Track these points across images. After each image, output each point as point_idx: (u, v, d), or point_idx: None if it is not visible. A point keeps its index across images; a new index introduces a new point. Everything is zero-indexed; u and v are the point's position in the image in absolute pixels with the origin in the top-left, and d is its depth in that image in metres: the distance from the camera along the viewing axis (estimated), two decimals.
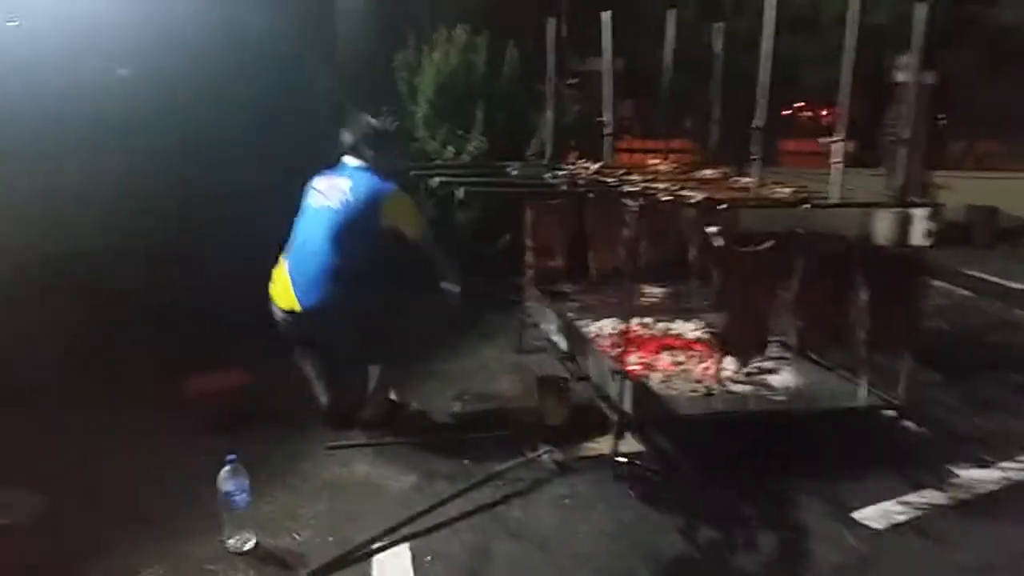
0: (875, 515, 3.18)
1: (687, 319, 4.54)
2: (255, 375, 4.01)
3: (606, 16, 4.68)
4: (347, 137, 3.74)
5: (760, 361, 3.87)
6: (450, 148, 5.44)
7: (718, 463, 3.47)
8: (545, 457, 3.50)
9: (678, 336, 4.31)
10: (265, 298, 3.75)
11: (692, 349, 4.12)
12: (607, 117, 4.79)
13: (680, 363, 3.94)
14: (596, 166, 4.39)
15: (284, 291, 3.67)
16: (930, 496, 3.33)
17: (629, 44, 6.65)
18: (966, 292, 7.09)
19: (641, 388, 3.44)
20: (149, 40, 5.11)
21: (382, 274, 3.59)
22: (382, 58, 5.67)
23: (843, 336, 3.49)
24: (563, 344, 4.32)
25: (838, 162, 3.38)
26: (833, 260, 3.42)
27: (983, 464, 3.61)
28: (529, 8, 7.33)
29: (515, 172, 4.38)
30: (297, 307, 3.60)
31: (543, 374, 3.97)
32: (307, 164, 4.36)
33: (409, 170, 3.89)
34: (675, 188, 3.46)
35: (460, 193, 3.45)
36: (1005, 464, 3.63)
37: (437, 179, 3.72)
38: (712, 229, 3.25)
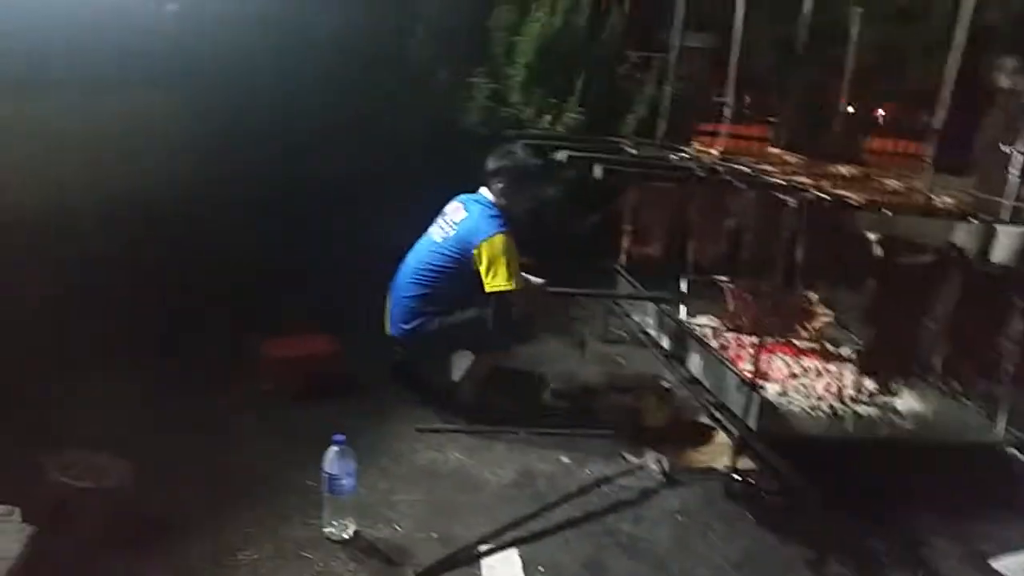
0: (1015, 567, 2.92)
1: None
2: (340, 344, 3.77)
3: None
4: (490, 164, 3.51)
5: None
6: (547, 117, 5.12)
7: (842, 490, 3.20)
8: (653, 466, 3.25)
9: (789, 343, 4.00)
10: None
11: (806, 358, 3.82)
12: (729, 98, 4.45)
13: (795, 375, 3.65)
14: (716, 151, 4.07)
15: (386, 312, 3.63)
16: None
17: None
18: None
19: (770, 405, 3.15)
20: None
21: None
22: (476, 14, 5.33)
23: (988, 365, 3.19)
24: (663, 341, 4.03)
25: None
26: (990, 282, 3.11)
27: None
28: None
29: (634, 151, 4.06)
30: (388, 331, 3.58)
31: (642, 372, 3.71)
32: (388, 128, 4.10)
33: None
34: (827, 185, 3.15)
35: (598, 171, 3.15)
36: None
37: (564, 153, 3.41)
38: (873, 237, 2.96)
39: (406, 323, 3.50)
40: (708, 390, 3.54)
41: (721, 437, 3.50)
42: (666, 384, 3.69)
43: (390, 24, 5.12)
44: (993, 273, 3.19)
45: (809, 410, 3.39)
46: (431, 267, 3.46)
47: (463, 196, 3.62)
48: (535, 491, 3.05)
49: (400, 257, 3.64)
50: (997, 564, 2.92)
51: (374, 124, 4.97)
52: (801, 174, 3.50)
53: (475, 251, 3.36)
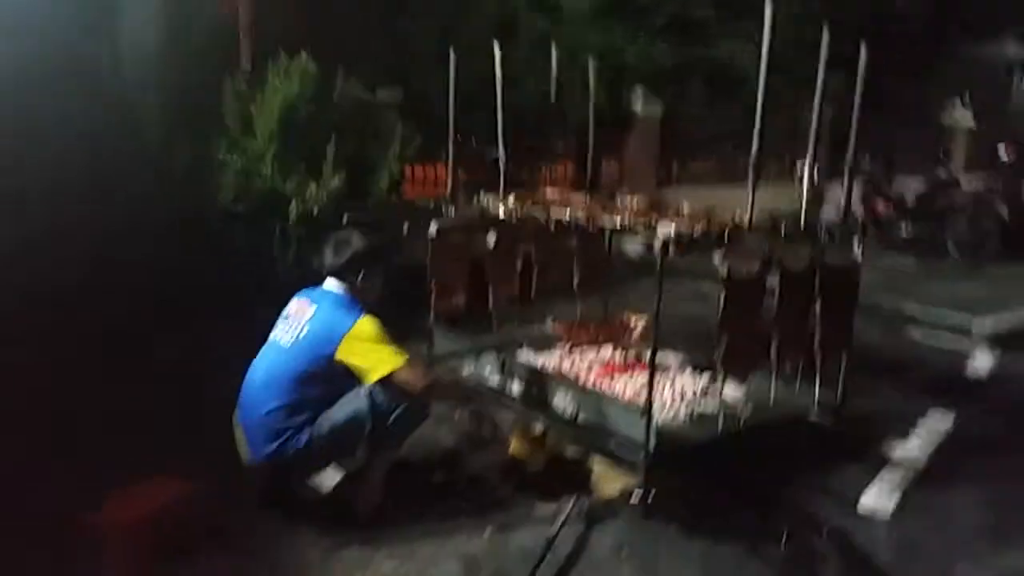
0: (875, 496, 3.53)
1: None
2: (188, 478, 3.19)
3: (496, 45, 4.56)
4: (330, 257, 3.25)
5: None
6: (312, 185, 4.84)
7: (725, 483, 3.56)
8: (573, 509, 3.30)
9: (610, 362, 4.29)
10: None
11: (634, 372, 4.15)
12: (500, 150, 4.65)
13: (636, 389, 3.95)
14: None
15: (238, 437, 3.24)
16: (895, 475, 3.76)
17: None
18: None
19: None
20: None
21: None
22: (212, 87, 4.88)
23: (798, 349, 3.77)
24: (513, 387, 4.08)
25: None
26: (799, 280, 3.65)
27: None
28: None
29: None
30: (245, 459, 3.19)
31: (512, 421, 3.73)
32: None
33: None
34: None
35: None
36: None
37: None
38: (718, 257, 3.34)
39: (270, 442, 3.09)
40: (581, 424, 3.69)
41: (598, 466, 3.67)
42: (540, 425, 3.72)
43: (113, 99, 4.44)
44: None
45: (670, 419, 3.71)
46: (289, 375, 3.10)
47: (304, 292, 3.33)
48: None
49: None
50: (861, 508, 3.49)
51: (114, 220, 4.30)
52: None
53: (340, 345, 3.07)
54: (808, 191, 3.82)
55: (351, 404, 3.12)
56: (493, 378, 4.14)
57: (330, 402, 3.13)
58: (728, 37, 10.20)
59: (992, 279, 8.43)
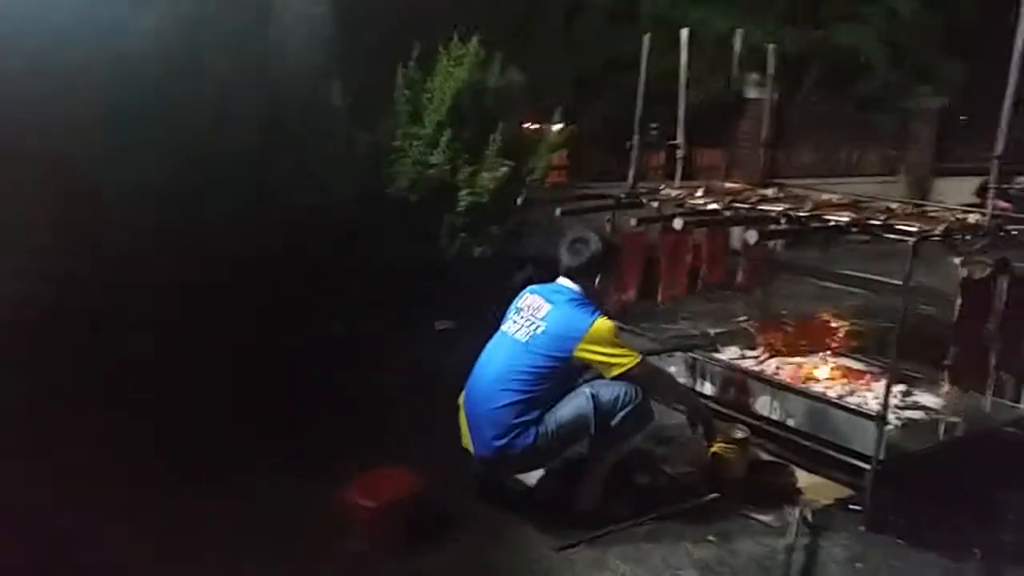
0: None
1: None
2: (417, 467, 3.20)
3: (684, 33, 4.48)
4: (567, 258, 3.21)
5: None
6: (484, 176, 4.80)
7: (945, 493, 3.45)
8: (798, 518, 3.22)
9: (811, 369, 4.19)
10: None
11: (835, 379, 4.03)
12: (681, 139, 4.56)
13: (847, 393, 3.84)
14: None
15: (463, 431, 3.25)
16: None
17: None
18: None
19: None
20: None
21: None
22: (386, 73, 4.86)
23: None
24: (706, 388, 4.01)
25: None
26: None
27: None
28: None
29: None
30: (472, 450, 3.19)
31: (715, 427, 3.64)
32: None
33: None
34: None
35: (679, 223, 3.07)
36: None
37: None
38: (957, 259, 3.21)
39: (499, 438, 3.07)
40: (797, 430, 3.60)
41: (804, 475, 3.58)
42: (740, 431, 3.65)
43: (296, 86, 4.43)
44: None
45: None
46: (525, 370, 3.07)
47: (536, 288, 3.30)
48: None
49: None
50: None
51: (297, 203, 4.31)
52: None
53: (578, 344, 3.04)
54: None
55: (575, 403, 3.09)
56: (681, 379, 4.07)
57: (557, 400, 3.10)
58: (850, 22, 9.88)
59: None
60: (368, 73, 4.77)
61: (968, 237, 3.37)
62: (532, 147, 5.32)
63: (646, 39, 4.43)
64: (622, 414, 3.08)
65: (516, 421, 3.04)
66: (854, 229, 3.38)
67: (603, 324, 3.07)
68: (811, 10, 9.65)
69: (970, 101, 11.37)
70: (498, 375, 3.11)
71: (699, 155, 9.83)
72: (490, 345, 3.28)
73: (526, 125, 5.46)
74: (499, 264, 5.10)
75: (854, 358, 4.27)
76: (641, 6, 8.53)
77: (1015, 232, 3.49)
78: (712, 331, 4.64)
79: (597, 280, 3.23)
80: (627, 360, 3.07)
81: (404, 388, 4.32)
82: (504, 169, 4.86)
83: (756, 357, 4.12)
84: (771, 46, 4.84)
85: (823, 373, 4.06)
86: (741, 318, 4.53)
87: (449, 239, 4.86)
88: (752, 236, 2.98)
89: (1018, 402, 3.79)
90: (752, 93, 9.60)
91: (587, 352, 3.05)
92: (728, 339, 4.41)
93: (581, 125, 5.35)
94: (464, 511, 3.24)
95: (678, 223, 3.24)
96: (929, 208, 3.94)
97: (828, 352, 4.18)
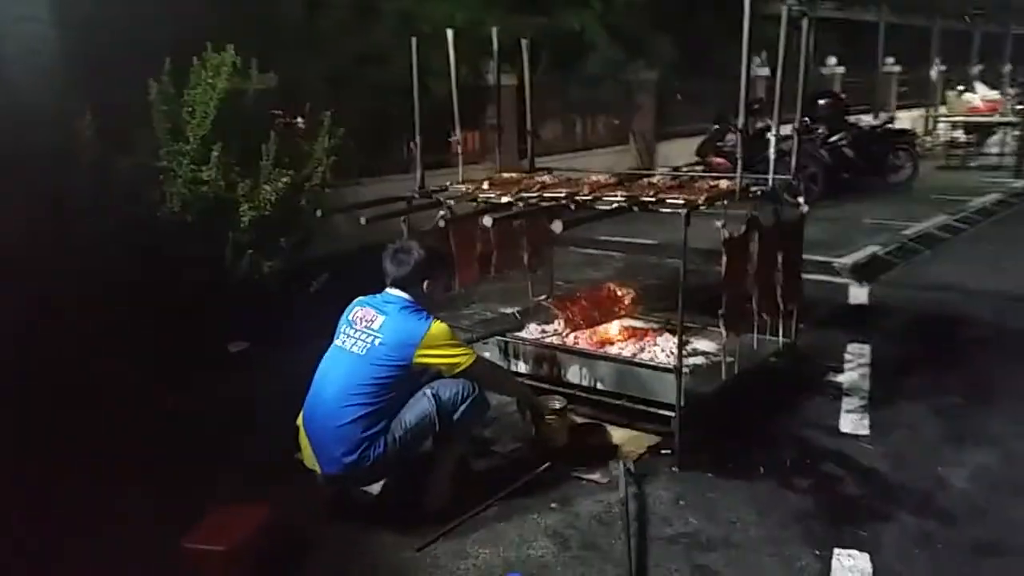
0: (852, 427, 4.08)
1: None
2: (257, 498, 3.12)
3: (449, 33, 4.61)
4: (392, 269, 3.26)
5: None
6: (265, 188, 4.61)
7: (732, 426, 3.98)
8: (622, 472, 3.55)
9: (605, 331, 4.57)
10: None
11: (626, 340, 4.45)
12: (457, 135, 4.72)
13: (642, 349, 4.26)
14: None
15: (306, 452, 3.22)
16: (854, 401, 4.36)
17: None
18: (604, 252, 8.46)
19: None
20: None
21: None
22: (136, 91, 4.48)
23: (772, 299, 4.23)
24: (519, 366, 4.25)
25: None
26: (769, 237, 4.09)
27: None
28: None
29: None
30: (318, 470, 3.18)
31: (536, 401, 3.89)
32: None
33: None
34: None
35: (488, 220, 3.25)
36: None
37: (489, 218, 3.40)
38: (718, 223, 3.69)
39: (349, 454, 3.08)
40: (606, 391, 3.95)
41: (617, 431, 3.96)
42: (557, 402, 3.92)
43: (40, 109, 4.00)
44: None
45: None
46: (368, 383, 3.09)
47: (365, 299, 3.31)
48: (590, 545, 3.10)
49: None
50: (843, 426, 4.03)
51: (49, 240, 3.94)
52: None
53: (417, 351, 3.12)
54: (774, 151, 4.16)
55: (418, 406, 3.18)
56: (498, 361, 4.28)
57: (401, 407, 3.17)
58: (571, 6, 10.62)
59: (825, 220, 9.55)
60: (115, 93, 4.40)
61: (725, 202, 3.88)
62: (307, 152, 5.22)
63: (413, 41, 4.51)
64: (462, 408, 3.22)
65: (364, 435, 3.06)
66: (634, 208, 3.74)
67: (438, 328, 3.17)
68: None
69: (679, 72, 12.76)
70: (340, 391, 3.10)
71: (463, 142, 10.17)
72: (325, 362, 3.25)
73: (296, 126, 5.32)
74: (293, 276, 4.99)
75: (636, 317, 4.73)
76: (383, 1, 8.57)
77: (758, 192, 4.06)
78: (513, 311, 4.91)
79: (425, 285, 3.30)
80: (465, 358, 3.21)
81: (212, 416, 4.15)
82: (285, 179, 4.73)
83: (556, 330, 4.43)
84: (524, 41, 5.11)
85: (615, 335, 4.48)
86: (539, 297, 4.81)
87: (235, 257, 4.65)
88: (558, 226, 3.22)
89: (776, 336, 4.43)
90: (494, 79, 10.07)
91: (426, 357, 3.14)
92: (529, 316, 4.70)
93: (342, 122, 5.29)
94: (318, 533, 3.21)
95: (487, 220, 3.41)
96: (681, 177, 4.46)
97: (617, 316, 4.59)
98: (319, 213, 4.05)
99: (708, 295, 3.74)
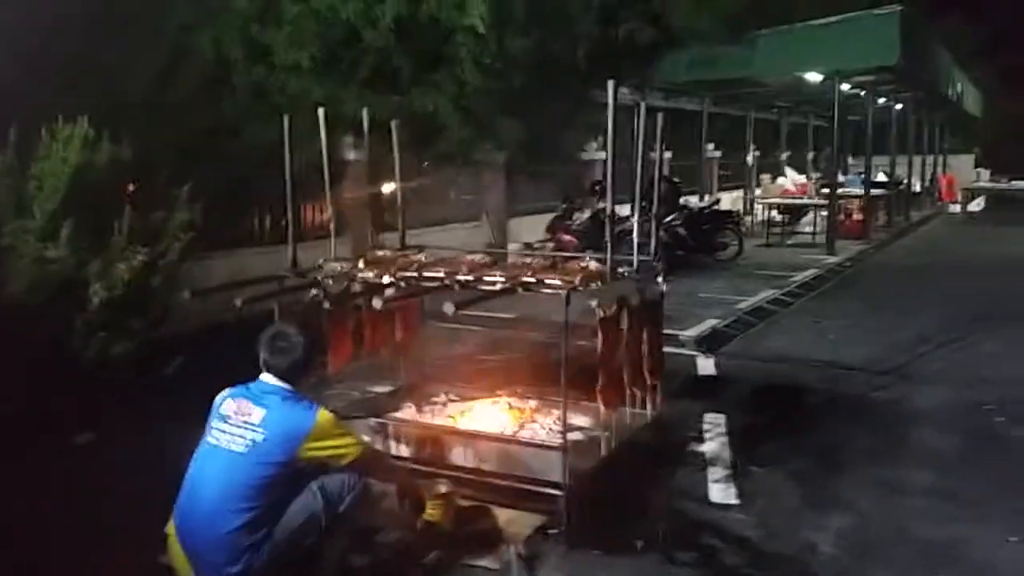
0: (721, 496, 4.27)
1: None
2: None
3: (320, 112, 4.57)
4: (272, 357, 3.07)
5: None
6: (119, 266, 4.30)
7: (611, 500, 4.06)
8: (515, 560, 3.52)
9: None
10: None
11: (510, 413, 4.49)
12: (330, 213, 4.67)
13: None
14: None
15: (179, 562, 2.96)
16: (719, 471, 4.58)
17: None
18: None
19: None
20: None
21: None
22: None
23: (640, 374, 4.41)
24: (396, 448, 4.14)
25: None
26: (636, 314, 4.29)
27: None
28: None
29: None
30: None
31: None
32: None
33: None
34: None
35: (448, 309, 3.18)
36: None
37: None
38: (593, 302, 3.84)
39: (233, 563, 2.85)
40: (492, 472, 3.92)
41: (503, 512, 3.93)
42: (443, 485, 3.84)
43: None
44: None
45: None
46: (253, 483, 2.88)
47: (238, 391, 3.09)
48: None
49: None
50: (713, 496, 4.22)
51: None
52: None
53: (304, 444, 2.95)
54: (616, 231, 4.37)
55: (304, 504, 3.01)
56: (375, 445, 4.15)
57: (286, 506, 2.97)
58: (422, 87, 10.85)
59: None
60: None
61: (599, 284, 4.03)
62: (162, 228, 4.95)
63: (286, 119, 4.44)
64: (348, 500, 3.08)
65: (249, 542, 2.85)
66: (519, 289, 3.81)
67: (324, 417, 3.04)
68: (391, 78, 10.42)
69: (526, 153, 13.27)
70: (221, 495, 2.86)
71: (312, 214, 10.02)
72: (198, 461, 2.99)
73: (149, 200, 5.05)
74: (145, 359, 4.66)
75: (513, 394, 4.78)
76: (235, 72, 8.39)
77: (624, 273, 4.26)
78: (385, 391, 4.82)
79: (304, 369, 3.17)
80: (355, 448, 3.09)
81: (58, 515, 3.75)
82: (140, 257, 4.45)
83: (436, 405, 4.40)
84: (394, 121, 5.17)
85: (495, 415, 4.49)
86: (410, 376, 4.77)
87: (84, 340, 4.29)
88: (449, 308, 3.23)
89: (643, 408, 4.60)
90: (351, 155, 10.06)
91: (315, 450, 2.98)
92: (403, 396, 4.63)
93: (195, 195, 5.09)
94: None
95: (377, 303, 3.35)
96: (548, 263, 4.55)
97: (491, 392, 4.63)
98: (186, 294, 3.78)
99: (572, 368, 3.83)
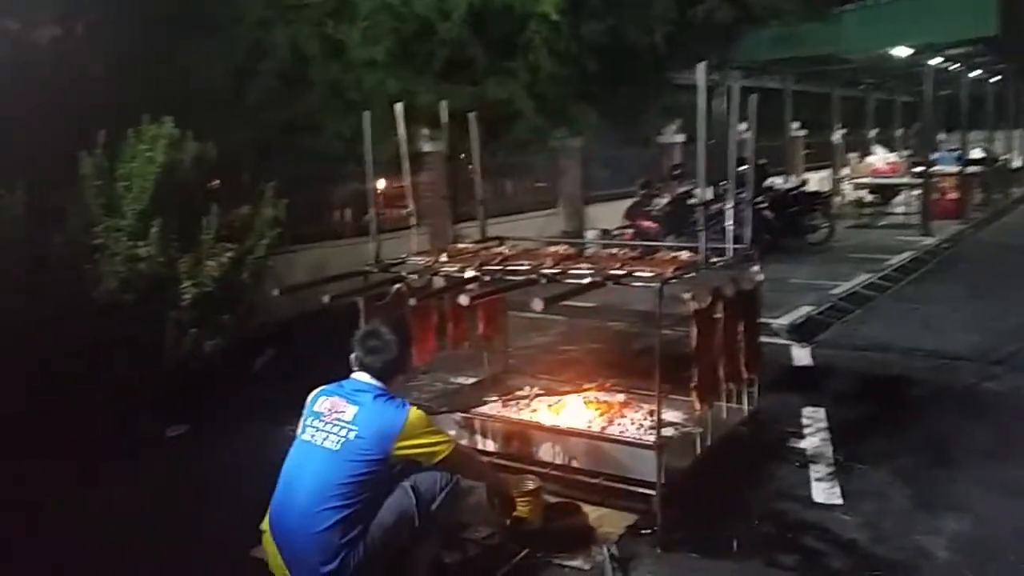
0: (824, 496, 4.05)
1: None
2: None
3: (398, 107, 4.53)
4: (366, 356, 3.05)
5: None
6: (208, 264, 4.35)
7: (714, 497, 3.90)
8: (607, 557, 3.40)
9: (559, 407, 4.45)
10: None
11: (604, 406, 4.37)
12: (412, 207, 4.61)
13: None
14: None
15: (274, 560, 2.92)
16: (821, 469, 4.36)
17: None
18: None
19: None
20: None
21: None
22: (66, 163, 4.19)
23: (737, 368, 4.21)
24: (482, 444, 4.07)
25: None
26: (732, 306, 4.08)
27: None
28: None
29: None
30: None
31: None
32: None
33: None
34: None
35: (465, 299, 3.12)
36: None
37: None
38: (688, 294, 3.67)
39: (328, 563, 2.80)
40: (583, 470, 3.81)
41: (593, 510, 3.81)
42: (531, 482, 3.75)
43: None
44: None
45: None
46: (346, 481, 2.84)
47: (331, 388, 3.06)
48: None
49: None
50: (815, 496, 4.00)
51: None
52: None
53: (396, 442, 2.90)
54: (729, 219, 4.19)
55: (398, 503, 2.96)
56: (462, 440, 4.09)
57: (379, 504, 2.93)
58: (496, 76, 10.75)
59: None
60: (44, 169, 4.12)
61: (692, 275, 3.85)
62: (248, 224, 4.99)
63: (366, 115, 4.40)
64: (440, 499, 3.02)
65: (344, 540, 2.80)
66: (610, 283, 3.66)
67: (416, 415, 2.98)
68: (464, 68, 10.36)
69: (601, 139, 13.07)
70: (315, 493, 2.83)
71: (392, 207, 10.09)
72: (292, 459, 2.98)
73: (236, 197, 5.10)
74: (235, 353, 4.71)
75: (600, 388, 4.64)
76: (313, 70, 8.45)
77: (718, 262, 4.07)
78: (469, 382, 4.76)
79: (391, 371, 3.11)
80: (445, 446, 3.02)
81: (151, 506, 3.81)
82: (228, 254, 4.49)
83: (522, 399, 4.30)
84: (472, 113, 5.09)
85: (582, 409, 4.37)
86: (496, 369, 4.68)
87: (177, 336, 4.36)
88: (539, 305, 3.11)
89: (740, 403, 4.41)
90: (427, 147, 10.05)
91: (406, 448, 2.93)
92: (487, 388, 4.55)
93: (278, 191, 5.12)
94: None
95: (464, 300, 3.26)
96: (635, 253, 4.35)
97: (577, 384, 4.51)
98: (275, 292, 3.76)
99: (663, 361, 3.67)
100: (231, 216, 4.91)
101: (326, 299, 3.69)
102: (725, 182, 4.22)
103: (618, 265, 3.86)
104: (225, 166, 5.29)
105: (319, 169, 8.44)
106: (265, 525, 2.97)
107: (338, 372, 3.13)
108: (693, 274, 3.84)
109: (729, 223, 4.17)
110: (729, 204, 4.14)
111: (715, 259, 4.06)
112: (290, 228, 8.37)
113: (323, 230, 8.56)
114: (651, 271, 3.74)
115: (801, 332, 7.19)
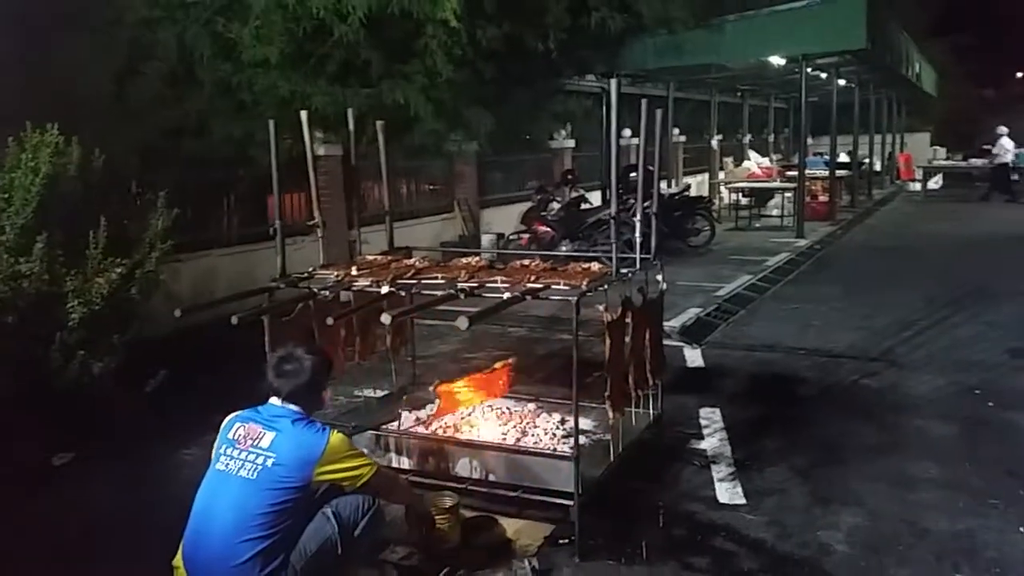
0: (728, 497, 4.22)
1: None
2: None
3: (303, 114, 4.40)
4: (280, 381, 2.94)
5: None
6: (98, 281, 4.06)
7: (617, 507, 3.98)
8: (527, 571, 3.42)
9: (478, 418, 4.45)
10: None
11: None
12: (318, 216, 4.49)
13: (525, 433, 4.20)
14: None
15: None
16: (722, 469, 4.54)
17: None
18: None
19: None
20: None
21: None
22: None
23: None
24: (402, 462, 4.01)
25: None
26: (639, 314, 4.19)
27: None
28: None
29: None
30: None
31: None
32: None
33: None
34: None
35: (462, 324, 3.03)
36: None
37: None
38: (601, 306, 3.75)
39: None
40: (497, 484, 3.81)
41: (510, 523, 3.82)
42: (448, 498, 3.72)
43: None
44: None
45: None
46: (265, 511, 2.75)
47: (246, 415, 2.95)
48: None
49: None
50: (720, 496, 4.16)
51: None
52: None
53: (317, 468, 2.83)
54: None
55: (319, 530, 2.89)
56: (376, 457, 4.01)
57: (300, 532, 2.85)
58: (392, 80, 10.63)
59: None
60: None
61: (605, 287, 3.92)
62: (138, 236, 4.73)
63: (271, 124, 4.25)
64: (363, 523, 2.97)
65: (264, 572, 2.71)
66: (528, 297, 3.68)
67: (337, 438, 2.91)
68: (360, 72, 10.18)
69: (496, 143, 13.14)
70: (232, 524, 2.72)
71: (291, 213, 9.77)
72: (206, 489, 2.85)
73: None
74: (125, 373, 4.45)
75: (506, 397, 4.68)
76: (202, 71, 8.10)
77: (627, 273, 4.17)
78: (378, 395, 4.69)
79: (319, 395, 3.04)
80: (368, 469, 2.97)
81: (30, 544, 3.58)
82: (118, 269, 4.24)
83: (428, 417, 4.28)
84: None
85: (495, 421, 4.38)
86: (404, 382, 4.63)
87: (63, 359, 4.08)
88: (463, 323, 3.08)
89: (646, 408, 4.53)
90: (320, 150, 9.81)
91: (328, 473, 2.86)
92: (397, 402, 4.51)
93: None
94: None
95: (386, 319, 3.19)
96: (546, 264, 4.41)
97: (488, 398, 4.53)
98: (177, 313, 3.56)
99: (558, 363, 3.73)
100: (119, 228, 4.63)
101: (234, 320, 3.53)
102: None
103: (533, 278, 3.89)
104: (112, 174, 4.98)
105: (206, 173, 8.10)
106: (178, 561, 2.82)
107: (235, 391, 3.01)
108: (606, 286, 3.92)
109: (636, 233, 4.28)
110: (638, 215, 4.25)
111: (624, 270, 4.16)
112: (177, 235, 8.04)
113: (210, 237, 8.21)
114: (565, 283, 3.79)
115: (691, 333, 7.46)
